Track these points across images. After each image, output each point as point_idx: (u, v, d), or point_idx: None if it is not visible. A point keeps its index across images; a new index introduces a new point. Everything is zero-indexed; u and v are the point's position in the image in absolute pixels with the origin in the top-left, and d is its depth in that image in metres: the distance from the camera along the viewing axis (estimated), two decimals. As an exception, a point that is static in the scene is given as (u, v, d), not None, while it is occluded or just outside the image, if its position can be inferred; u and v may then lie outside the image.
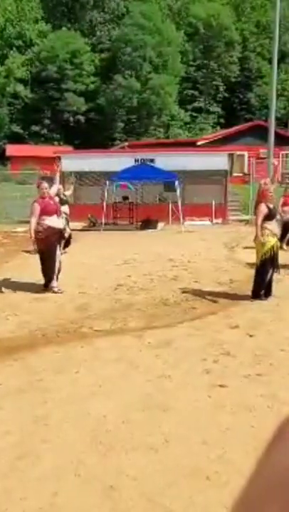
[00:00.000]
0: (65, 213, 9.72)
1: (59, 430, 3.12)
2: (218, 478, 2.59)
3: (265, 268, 6.19)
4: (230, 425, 3.14)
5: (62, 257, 7.33)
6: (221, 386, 3.72)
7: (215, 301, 6.30)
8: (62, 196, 10.25)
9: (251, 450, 2.85)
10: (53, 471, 2.68)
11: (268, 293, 6.28)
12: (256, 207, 6.27)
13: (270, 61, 24.97)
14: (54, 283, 6.82)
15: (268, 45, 40.06)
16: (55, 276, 6.83)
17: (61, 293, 6.73)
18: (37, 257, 6.94)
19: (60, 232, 6.99)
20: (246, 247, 10.76)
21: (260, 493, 0.35)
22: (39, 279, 6.98)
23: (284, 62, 43.57)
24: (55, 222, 6.81)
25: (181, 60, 45.50)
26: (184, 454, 2.83)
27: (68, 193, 10.21)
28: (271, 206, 6.28)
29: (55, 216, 6.82)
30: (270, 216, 6.20)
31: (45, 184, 7.02)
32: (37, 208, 6.73)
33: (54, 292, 6.73)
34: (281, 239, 8.49)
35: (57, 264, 6.84)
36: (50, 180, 7.64)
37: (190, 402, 3.48)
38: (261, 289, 6.27)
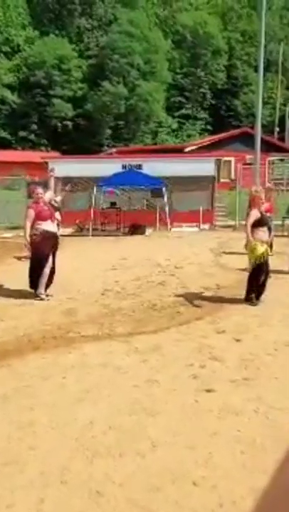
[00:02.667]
0: (57, 219, 9.67)
1: (45, 436, 3.10)
2: (205, 482, 2.60)
3: (254, 274, 6.29)
4: (217, 430, 3.15)
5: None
6: (208, 391, 3.73)
7: (202, 306, 6.32)
8: (53, 203, 10.18)
9: (238, 454, 2.87)
10: (39, 478, 2.66)
11: (258, 296, 6.35)
12: (248, 213, 6.36)
13: (256, 69, 25.32)
14: (41, 289, 6.73)
15: (254, 54, 40.60)
16: (42, 283, 6.73)
17: (47, 300, 6.66)
18: (27, 261, 6.95)
19: (55, 237, 6.92)
20: (228, 252, 10.85)
21: (275, 500, 0.37)
22: (26, 284, 6.94)
23: (270, 70, 44.18)
24: (50, 227, 6.77)
25: (169, 68, 45.90)
26: (170, 458, 2.83)
27: (59, 198, 10.11)
28: (263, 213, 6.34)
29: (49, 221, 6.76)
30: (260, 222, 6.25)
31: (39, 190, 6.92)
32: (31, 213, 6.67)
33: (40, 299, 6.65)
34: None
35: (46, 271, 6.71)
36: (44, 186, 7.64)
37: (177, 406, 3.49)
38: (251, 293, 6.35)
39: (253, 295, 6.32)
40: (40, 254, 6.68)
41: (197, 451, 2.89)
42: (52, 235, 6.82)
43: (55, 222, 7.03)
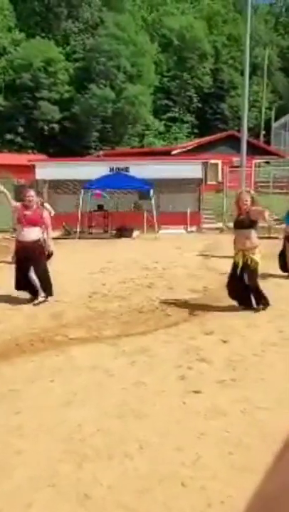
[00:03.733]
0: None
1: (33, 440, 3.08)
2: (193, 483, 2.61)
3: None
4: (204, 431, 3.17)
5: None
6: (195, 392, 3.75)
7: (189, 308, 6.34)
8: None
9: (226, 455, 2.88)
10: (27, 482, 2.65)
11: (239, 301, 6.28)
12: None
13: (242, 73, 25.54)
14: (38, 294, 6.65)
15: (240, 58, 40.96)
16: (36, 288, 6.61)
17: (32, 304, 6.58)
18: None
19: (25, 248, 6.50)
20: (216, 255, 10.90)
21: (277, 495, 0.38)
22: (12, 287, 6.90)
23: (255, 74, 44.64)
24: (21, 235, 6.56)
25: (155, 71, 46.06)
26: (158, 460, 2.84)
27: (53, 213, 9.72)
28: (241, 217, 6.11)
29: (22, 226, 6.52)
30: (235, 226, 6.26)
31: (30, 192, 6.74)
32: (18, 205, 6.62)
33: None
34: None
35: (32, 277, 6.56)
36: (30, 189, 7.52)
37: (165, 408, 3.50)
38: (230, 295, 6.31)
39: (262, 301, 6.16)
40: (16, 263, 6.74)
41: (185, 453, 2.90)
42: (22, 246, 6.52)
43: (31, 227, 6.53)
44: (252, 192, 6.51)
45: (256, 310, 6.09)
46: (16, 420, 3.33)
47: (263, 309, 6.08)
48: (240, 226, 6.10)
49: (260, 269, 6.25)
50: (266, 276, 7.51)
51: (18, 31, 44.79)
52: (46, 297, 6.66)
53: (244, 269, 6.06)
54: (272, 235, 13.22)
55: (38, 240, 6.53)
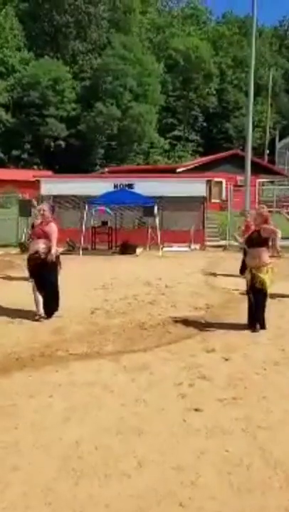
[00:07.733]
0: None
1: (30, 456, 3.04)
2: (192, 503, 2.56)
3: None
4: (204, 449, 3.11)
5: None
6: (196, 410, 3.70)
7: (191, 326, 6.30)
8: None
9: (225, 474, 2.83)
10: (21, 499, 2.60)
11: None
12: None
13: (246, 93, 25.88)
14: (36, 308, 6.59)
15: (244, 79, 41.63)
16: (36, 302, 6.57)
17: (37, 319, 6.51)
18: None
19: (29, 258, 6.66)
20: (219, 273, 10.87)
21: None
22: (15, 302, 6.88)
23: (259, 94, 45.25)
24: (31, 247, 6.70)
25: (161, 90, 46.79)
26: (157, 479, 2.79)
27: None
28: (253, 235, 6.24)
29: (34, 240, 6.65)
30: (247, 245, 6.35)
31: (43, 206, 6.91)
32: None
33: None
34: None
35: (35, 292, 6.57)
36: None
37: (165, 426, 3.45)
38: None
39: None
40: None
41: (184, 472, 2.85)
42: (30, 257, 6.65)
43: (36, 240, 6.61)
44: (265, 209, 6.44)
45: (253, 330, 5.97)
46: (12, 436, 3.28)
47: (255, 331, 5.94)
48: (251, 244, 6.13)
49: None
50: (274, 295, 7.46)
51: (27, 51, 45.74)
52: (42, 314, 6.52)
53: (251, 287, 6.02)
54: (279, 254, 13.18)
55: (37, 252, 6.53)
